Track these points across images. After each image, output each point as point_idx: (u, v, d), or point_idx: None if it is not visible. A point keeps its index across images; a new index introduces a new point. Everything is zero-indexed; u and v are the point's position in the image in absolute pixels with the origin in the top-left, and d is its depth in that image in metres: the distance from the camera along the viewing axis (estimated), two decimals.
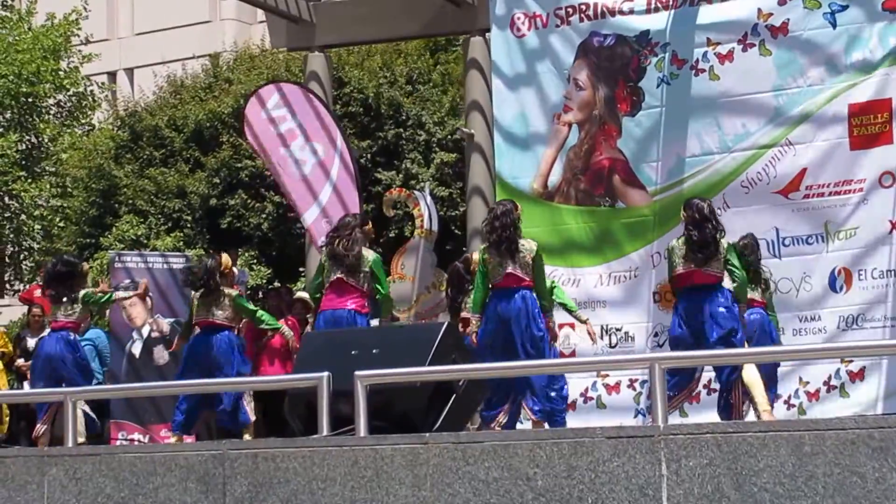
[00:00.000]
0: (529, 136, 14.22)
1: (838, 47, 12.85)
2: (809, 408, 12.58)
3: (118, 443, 14.26)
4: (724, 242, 10.85)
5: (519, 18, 14.28)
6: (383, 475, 7.31)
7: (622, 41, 13.79)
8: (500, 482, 7.03)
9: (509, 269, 10.95)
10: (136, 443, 14.37)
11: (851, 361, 12.43)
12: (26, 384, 15.14)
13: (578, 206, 13.97)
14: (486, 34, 14.70)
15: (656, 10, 13.62)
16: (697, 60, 13.40)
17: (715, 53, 13.32)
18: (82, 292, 12.26)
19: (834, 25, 12.87)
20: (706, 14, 13.40)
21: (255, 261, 21.78)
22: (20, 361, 15.23)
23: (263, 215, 21.99)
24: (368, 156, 21.82)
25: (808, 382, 12.65)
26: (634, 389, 13.33)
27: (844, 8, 12.83)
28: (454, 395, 8.35)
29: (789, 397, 12.63)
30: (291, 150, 15.07)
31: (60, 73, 26.18)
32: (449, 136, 22.00)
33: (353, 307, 11.39)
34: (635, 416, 13.17)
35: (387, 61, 23.32)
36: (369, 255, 11.57)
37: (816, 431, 6.42)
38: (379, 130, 22.31)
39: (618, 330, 13.49)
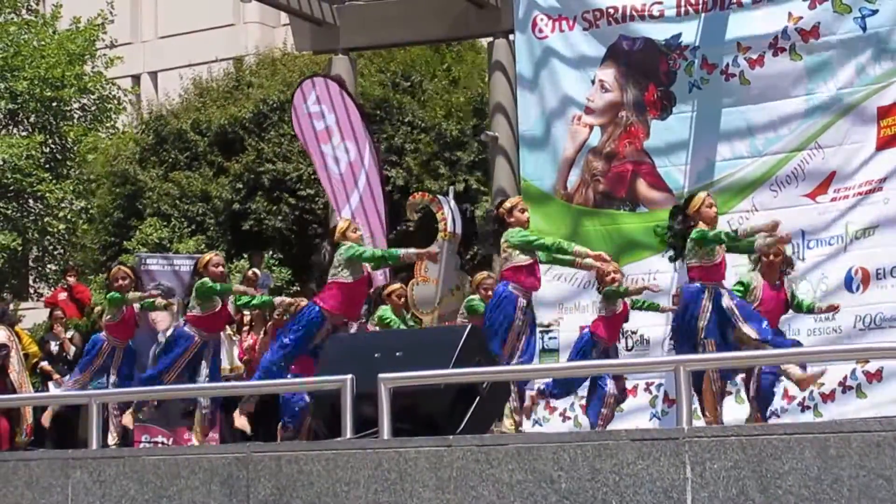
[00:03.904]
0: (551, 137, 14.22)
1: (868, 51, 12.80)
2: (825, 409, 12.46)
3: (142, 445, 14.28)
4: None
5: (541, 20, 14.27)
6: (407, 478, 7.29)
7: (651, 45, 13.77)
8: (523, 485, 7.00)
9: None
10: (160, 446, 14.38)
11: (868, 362, 12.28)
12: (51, 385, 15.22)
13: (596, 208, 13.96)
14: (510, 36, 14.70)
15: (686, 13, 13.58)
16: (728, 65, 13.37)
17: (745, 58, 13.29)
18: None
19: (864, 29, 12.81)
20: (736, 19, 13.36)
21: (276, 263, 21.77)
22: (44, 364, 15.28)
23: (280, 217, 22.00)
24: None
25: (822, 384, 12.50)
26: (650, 393, 13.30)
27: (875, 12, 12.77)
28: (478, 398, 8.33)
29: (804, 399, 12.50)
30: (331, 147, 15.26)
31: (85, 77, 26.23)
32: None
33: None
34: (650, 420, 13.15)
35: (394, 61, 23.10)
36: None
37: (842, 434, 6.37)
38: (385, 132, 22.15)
39: (633, 333, 13.45)
